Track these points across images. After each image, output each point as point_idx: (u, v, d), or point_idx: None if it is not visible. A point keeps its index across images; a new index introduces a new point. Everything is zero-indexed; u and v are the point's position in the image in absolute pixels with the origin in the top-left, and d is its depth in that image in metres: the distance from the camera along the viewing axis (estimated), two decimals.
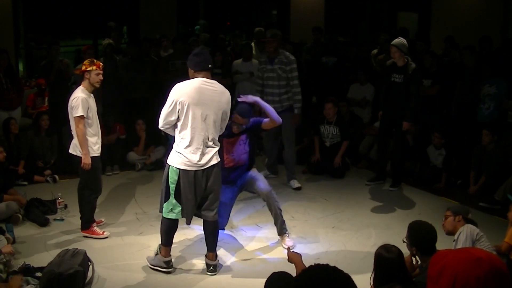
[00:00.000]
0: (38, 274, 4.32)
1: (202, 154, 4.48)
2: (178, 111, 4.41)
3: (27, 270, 4.33)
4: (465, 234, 4.08)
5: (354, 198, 6.70)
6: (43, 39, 11.88)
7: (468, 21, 10.65)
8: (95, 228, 5.47)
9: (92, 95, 5.37)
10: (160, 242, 4.79)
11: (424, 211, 6.19)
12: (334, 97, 7.80)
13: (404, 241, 3.96)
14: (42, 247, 5.24)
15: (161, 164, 7.17)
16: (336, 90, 8.55)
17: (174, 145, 4.56)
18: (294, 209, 6.29)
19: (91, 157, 5.27)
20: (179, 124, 4.47)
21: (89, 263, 4.49)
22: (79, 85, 5.38)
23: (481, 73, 7.38)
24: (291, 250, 3.81)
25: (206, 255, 4.78)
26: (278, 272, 3.09)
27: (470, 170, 6.87)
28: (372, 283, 3.36)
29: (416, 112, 6.83)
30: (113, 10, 12.05)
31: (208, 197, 4.64)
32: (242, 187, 5.41)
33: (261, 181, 5.28)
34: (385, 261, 3.29)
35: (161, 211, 4.67)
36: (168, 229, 4.68)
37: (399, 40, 6.65)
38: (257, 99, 5.33)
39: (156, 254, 4.83)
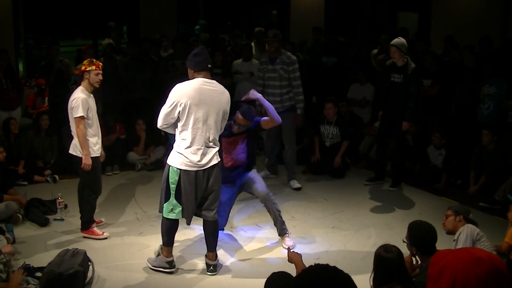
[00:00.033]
0: (38, 274, 4.32)
1: (203, 155, 4.48)
2: (179, 112, 4.41)
3: (27, 270, 4.33)
4: (466, 234, 4.09)
5: (354, 198, 6.70)
6: (43, 39, 11.88)
7: (468, 21, 10.65)
8: (95, 229, 5.46)
9: (91, 95, 5.37)
10: (161, 243, 4.79)
11: (424, 211, 6.19)
12: (334, 97, 7.80)
13: (404, 241, 3.96)
14: (42, 247, 5.24)
15: (161, 164, 7.16)
16: (336, 90, 8.55)
17: (175, 146, 4.56)
18: (294, 209, 6.29)
19: (91, 158, 5.27)
20: (179, 124, 4.47)
21: (89, 263, 4.48)
22: (79, 85, 5.38)
23: (481, 73, 7.38)
24: (291, 250, 3.81)
25: (206, 255, 4.78)
26: (278, 272, 3.09)
27: (470, 170, 6.87)
28: (372, 283, 3.36)
29: (416, 112, 6.83)
30: (113, 10, 12.05)
31: (208, 197, 4.64)
32: (241, 188, 5.40)
33: (259, 183, 5.27)
34: (385, 261, 3.29)
35: (160, 211, 4.67)
36: (169, 229, 4.68)
37: (399, 40, 6.64)
38: (259, 96, 5.32)
39: (158, 255, 4.83)
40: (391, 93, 6.77)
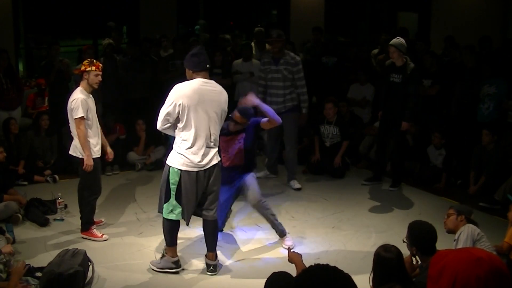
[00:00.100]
0: (38, 274, 4.32)
1: (204, 155, 4.48)
2: (178, 113, 4.41)
3: (27, 270, 4.33)
4: (466, 234, 4.09)
5: (354, 198, 6.70)
6: (43, 39, 11.88)
7: (468, 21, 10.65)
8: (94, 230, 5.45)
9: (91, 95, 5.36)
10: (165, 244, 4.78)
11: (424, 211, 6.19)
12: (334, 97, 7.80)
13: (404, 241, 3.96)
14: (42, 247, 5.24)
15: (161, 164, 7.15)
16: (336, 90, 8.55)
17: (174, 146, 4.56)
18: (294, 209, 6.29)
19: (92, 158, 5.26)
20: (180, 125, 4.47)
21: (89, 263, 4.48)
22: (78, 85, 5.37)
23: (481, 73, 7.38)
24: (291, 250, 3.81)
25: (206, 255, 4.78)
26: (278, 272, 3.09)
27: (470, 170, 6.87)
28: (371, 283, 3.36)
29: (416, 112, 6.83)
30: (113, 10, 12.03)
31: (208, 197, 4.65)
32: (239, 190, 5.36)
33: (252, 190, 5.20)
34: (384, 261, 3.29)
35: (159, 211, 4.67)
36: (171, 229, 4.68)
37: (398, 40, 6.64)
38: (257, 102, 5.27)
39: (162, 256, 4.82)
40: (390, 93, 6.77)
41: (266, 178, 7.28)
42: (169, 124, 4.47)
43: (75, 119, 5.18)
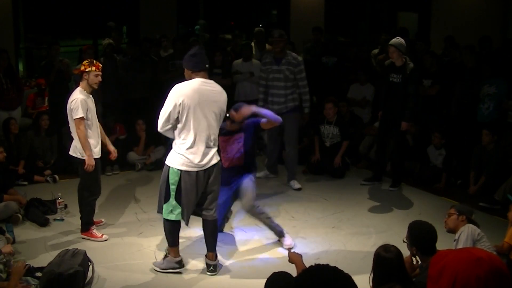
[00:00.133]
0: (38, 274, 4.32)
1: (204, 155, 4.49)
2: (179, 113, 4.40)
3: (27, 270, 4.33)
4: (466, 234, 4.09)
5: (354, 198, 6.70)
6: (43, 39, 11.88)
7: (468, 21, 10.65)
8: (94, 231, 5.45)
9: (91, 95, 5.35)
10: (167, 244, 4.78)
11: (424, 211, 6.19)
12: (334, 97, 7.80)
13: (404, 241, 3.96)
14: (42, 247, 5.24)
15: (161, 164, 7.13)
16: (336, 90, 8.55)
17: (174, 146, 4.55)
18: (294, 209, 6.29)
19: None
20: (179, 125, 4.46)
21: (89, 263, 4.48)
22: (78, 86, 5.36)
23: (481, 73, 7.38)
24: (292, 251, 3.81)
25: (206, 255, 4.78)
26: (278, 272, 3.09)
27: (470, 170, 6.87)
28: (371, 283, 3.36)
29: (415, 112, 6.83)
30: (113, 10, 12.03)
31: (208, 197, 4.65)
32: (237, 192, 5.33)
33: (246, 196, 5.19)
34: (384, 261, 3.29)
35: (159, 212, 4.67)
36: (172, 230, 4.67)
37: (397, 39, 6.64)
38: (254, 109, 5.17)
39: (165, 257, 4.82)
40: (390, 93, 6.77)
41: (266, 178, 7.28)
42: (170, 126, 4.47)
43: (74, 119, 5.17)
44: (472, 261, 3.06)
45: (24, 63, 11.26)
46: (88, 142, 5.22)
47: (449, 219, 4.29)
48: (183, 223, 4.70)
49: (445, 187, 7.02)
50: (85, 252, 4.45)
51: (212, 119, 4.50)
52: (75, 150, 5.30)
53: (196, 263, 4.91)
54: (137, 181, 7.29)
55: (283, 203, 6.46)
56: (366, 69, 8.84)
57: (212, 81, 4.60)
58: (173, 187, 4.50)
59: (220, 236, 5.06)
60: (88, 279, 4.42)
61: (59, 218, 5.91)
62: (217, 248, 4.82)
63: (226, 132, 5.18)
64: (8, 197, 5.90)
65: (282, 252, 5.11)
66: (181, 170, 4.46)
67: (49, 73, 8.18)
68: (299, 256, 3.66)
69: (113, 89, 8.09)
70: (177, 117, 4.43)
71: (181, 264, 4.76)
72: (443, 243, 4.04)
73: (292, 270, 3.34)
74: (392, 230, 5.68)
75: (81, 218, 5.47)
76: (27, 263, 4.44)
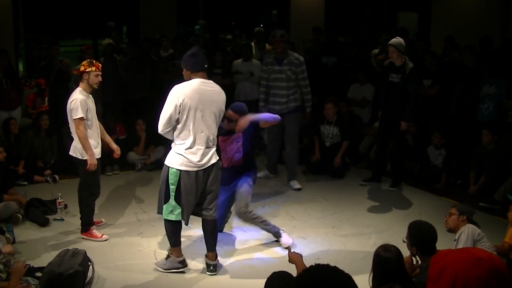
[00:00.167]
0: (38, 274, 4.32)
1: (203, 155, 4.49)
2: (179, 113, 4.40)
3: (27, 270, 4.33)
4: (467, 234, 4.10)
5: (354, 198, 6.70)
6: (43, 39, 11.87)
7: (468, 21, 10.65)
8: (94, 231, 5.45)
9: (91, 96, 5.35)
10: (169, 244, 4.78)
11: (424, 211, 6.19)
12: (334, 97, 7.80)
13: (404, 241, 3.96)
14: (42, 247, 5.24)
15: (161, 164, 7.13)
16: (336, 90, 8.55)
17: (173, 147, 4.56)
18: (294, 209, 6.29)
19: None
20: (179, 126, 4.46)
21: (89, 263, 4.48)
22: (77, 86, 5.36)
23: (481, 73, 7.38)
24: (292, 251, 3.81)
25: (206, 255, 4.78)
26: (279, 271, 3.09)
27: (470, 170, 6.87)
28: (371, 283, 3.36)
29: (415, 111, 6.83)
30: (113, 10, 12.03)
31: (207, 196, 4.65)
32: (234, 194, 5.34)
33: (239, 202, 5.19)
34: (384, 261, 3.29)
35: (159, 212, 4.67)
36: (173, 230, 4.67)
37: (397, 39, 6.63)
38: (251, 118, 5.07)
39: (167, 257, 4.82)
40: (390, 93, 6.77)
41: (266, 178, 7.28)
42: (171, 127, 4.47)
43: (74, 119, 5.17)
44: (472, 261, 3.06)
45: (24, 63, 11.26)
46: (89, 142, 5.21)
47: (450, 219, 4.29)
48: (183, 223, 4.71)
49: (445, 187, 7.02)
50: (85, 252, 4.45)
51: (211, 119, 4.50)
52: (75, 150, 5.30)
53: (196, 263, 4.91)
54: (137, 181, 7.29)
55: (283, 203, 6.46)
56: (366, 69, 8.84)
57: (211, 81, 4.60)
58: (172, 188, 4.50)
59: (220, 236, 5.06)
60: (88, 279, 4.42)
61: (59, 218, 5.91)
62: (217, 248, 4.82)
63: (225, 132, 5.18)
64: (8, 197, 5.89)
65: (282, 252, 5.11)
66: (180, 170, 4.46)
67: (49, 73, 8.18)
68: (299, 256, 3.66)
69: (113, 89, 8.08)
70: (178, 118, 4.43)
71: (184, 263, 4.76)
72: (443, 243, 4.04)
73: (292, 270, 3.34)
74: (392, 230, 5.68)
75: (81, 218, 5.47)
76: (27, 263, 4.44)
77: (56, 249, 4.89)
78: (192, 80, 4.50)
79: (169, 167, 4.52)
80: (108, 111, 7.95)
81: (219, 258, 4.84)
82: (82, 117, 5.15)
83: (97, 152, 5.35)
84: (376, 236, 5.55)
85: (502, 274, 3.06)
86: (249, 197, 5.25)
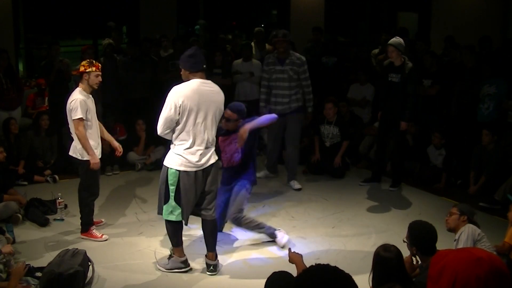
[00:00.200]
0: (38, 274, 4.33)
1: (202, 155, 4.49)
2: (179, 114, 4.40)
3: (27, 270, 4.33)
4: (467, 234, 4.09)
5: (354, 198, 6.70)
6: (43, 39, 11.88)
7: (468, 21, 10.65)
8: (94, 231, 5.45)
9: (90, 96, 5.34)
10: (171, 245, 4.78)
11: (424, 211, 6.19)
12: (334, 97, 7.80)
13: (404, 241, 3.96)
14: (42, 247, 5.24)
15: (161, 164, 7.15)
16: (336, 90, 8.55)
17: (172, 147, 4.56)
18: (294, 209, 6.29)
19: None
20: (178, 126, 4.46)
21: (89, 263, 4.49)
22: (77, 86, 5.35)
23: (481, 73, 7.38)
24: (292, 251, 3.81)
25: (206, 255, 4.78)
26: (279, 271, 3.09)
27: (470, 170, 6.87)
28: (371, 283, 3.36)
29: (415, 111, 6.83)
30: (113, 10, 12.03)
31: (206, 197, 4.65)
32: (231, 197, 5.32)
33: (233, 206, 5.19)
34: (384, 261, 3.29)
35: (159, 213, 4.67)
36: (175, 230, 4.68)
37: (396, 39, 6.63)
38: (249, 126, 5.01)
39: (170, 257, 4.82)
40: (390, 93, 6.76)
41: (266, 178, 7.28)
42: (171, 127, 4.46)
43: (73, 120, 5.16)
44: (472, 261, 3.06)
45: (24, 63, 11.26)
46: (88, 142, 5.21)
47: (451, 218, 4.29)
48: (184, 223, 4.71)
49: (445, 187, 7.01)
50: (85, 252, 4.46)
51: (210, 120, 4.50)
52: (75, 150, 5.30)
53: (196, 263, 4.91)
54: (137, 181, 7.29)
55: (283, 203, 6.46)
56: (366, 69, 8.84)
57: (210, 81, 4.60)
58: (172, 188, 4.50)
59: (220, 236, 5.06)
60: (88, 279, 4.42)
61: (59, 218, 5.91)
62: (217, 248, 4.82)
63: (225, 132, 5.18)
64: (8, 197, 5.89)
65: (282, 252, 5.11)
66: (179, 171, 4.46)
67: (49, 73, 8.18)
68: (299, 256, 3.66)
69: (113, 89, 8.09)
70: (177, 119, 4.43)
71: (186, 263, 4.76)
72: (443, 243, 4.04)
73: (292, 270, 3.34)
74: (392, 230, 5.68)
75: (81, 218, 5.47)
76: (27, 263, 4.44)
77: (56, 249, 4.89)
78: (191, 80, 4.50)
79: (168, 167, 4.52)
80: (108, 111, 7.95)
81: (219, 258, 4.84)
82: (82, 118, 5.13)
83: (97, 152, 5.34)
84: (376, 236, 5.55)
85: (502, 274, 3.06)
86: (243, 202, 5.25)
